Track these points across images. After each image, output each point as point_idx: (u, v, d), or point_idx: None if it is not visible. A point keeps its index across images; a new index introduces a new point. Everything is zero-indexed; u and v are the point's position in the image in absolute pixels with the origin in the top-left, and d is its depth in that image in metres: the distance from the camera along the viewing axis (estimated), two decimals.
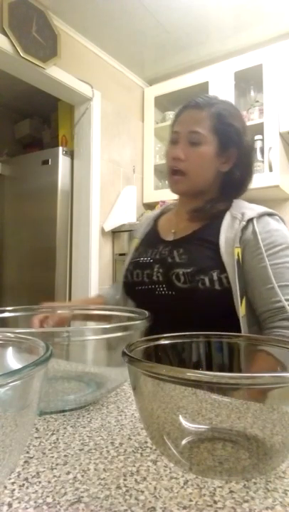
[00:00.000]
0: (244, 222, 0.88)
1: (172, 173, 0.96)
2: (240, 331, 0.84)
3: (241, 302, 0.84)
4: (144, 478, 0.35)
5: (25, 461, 0.38)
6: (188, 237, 0.96)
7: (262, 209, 0.92)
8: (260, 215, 0.89)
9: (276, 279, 0.83)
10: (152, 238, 1.05)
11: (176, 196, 1.05)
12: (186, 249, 0.92)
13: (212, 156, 0.94)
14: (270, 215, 0.91)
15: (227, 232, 0.89)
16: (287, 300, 0.82)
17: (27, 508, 0.30)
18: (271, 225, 0.89)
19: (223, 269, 0.85)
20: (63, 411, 0.51)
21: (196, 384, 0.33)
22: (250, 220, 0.88)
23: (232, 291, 0.84)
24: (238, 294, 0.83)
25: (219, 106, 0.96)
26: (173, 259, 0.92)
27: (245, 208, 0.92)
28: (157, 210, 1.16)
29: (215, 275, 0.85)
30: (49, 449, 0.40)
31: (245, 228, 0.87)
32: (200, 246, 0.92)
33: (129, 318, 0.64)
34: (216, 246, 0.88)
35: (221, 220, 0.92)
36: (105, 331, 0.51)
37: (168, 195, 2.27)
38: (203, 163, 0.95)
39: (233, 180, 0.99)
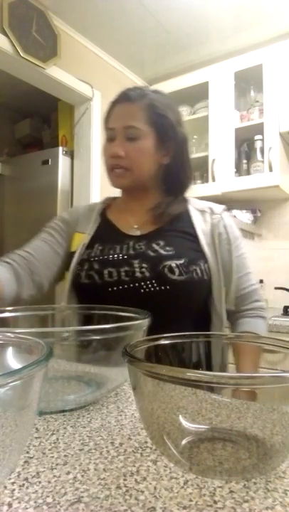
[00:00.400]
0: (217, 216, 0.96)
1: (112, 167, 0.93)
2: (210, 322, 0.92)
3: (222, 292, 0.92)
4: (144, 478, 0.35)
5: (25, 461, 0.38)
6: (164, 229, 0.93)
7: (218, 205, 1.01)
8: (224, 210, 0.99)
9: (243, 268, 0.96)
10: (111, 233, 0.97)
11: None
12: (167, 241, 0.90)
13: (152, 149, 0.92)
14: (227, 210, 1.01)
15: (201, 224, 0.95)
16: (253, 284, 0.97)
17: (27, 508, 0.30)
18: (231, 219, 0.99)
19: (205, 260, 0.90)
20: (63, 411, 0.51)
21: (196, 384, 0.33)
22: (220, 214, 0.97)
23: (212, 282, 0.90)
24: (222, 283, 0.91)
25: (151, 97, 0.93)
26: (156, 252, 0.88)
27: (205, 203, 1.01)
28: (96, 204, 1.08)
29: (202, 265, 0.89)
30: (49, 449, 0.40)
31: (218, 222, 0.95)
32: (180, 237, 0.92)
33: (129, 318, 0.64)
34: (196, 238, 0.92)
35: (188, 214, 0.96)
36: (105, 331, 0.51)
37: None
38: (144, 157, 0.92)
39: (174, 173, 0.98)
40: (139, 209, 0.98)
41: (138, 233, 0.94)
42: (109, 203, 1.08)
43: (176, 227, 0.93)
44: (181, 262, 0.85)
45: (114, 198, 1.09)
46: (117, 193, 1.05)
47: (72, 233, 1.00)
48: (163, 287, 0.85)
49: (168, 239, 0.90)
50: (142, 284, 0.85)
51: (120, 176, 0.92)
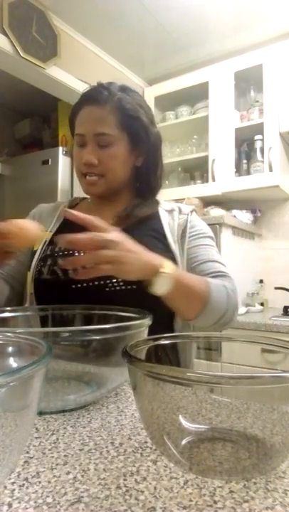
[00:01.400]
0: (184, 215, 0.95)
1: (85, 174, 0.90)
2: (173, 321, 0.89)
3: None
4: (144, 478, 0.35)
5: (25, 461, 0.38)
6: (131, 230, 0.89)
7: (187, 205, 1.01)
8: (192, 210, 0.98)
9: (206, 256, 0.90)
10: (77, 230, 0.90)
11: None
12: (136, 241, 0.86)
13: (125, 154, 0.90)
14: (195, 211, 1.00)
15: (169, 222, 0.94)
16: (222, 271, 0.89)
17: (27, 508, 0.30)
18: (199, 219, 0.99)
19: (173, 260, 0.86)
20: (63, 411, 0.51)
21: (196, 384, 0.33)
22: (187, 214, 0.95)
23: None
24: None
25: (119, 96, 0.89)
26: None
27: (175, 204, 1.00)
28: (61, 204, 1.05)
29: None
30: (49, 449, 0.40)
31: (184, 220, 0.94)
32: (148, 236, 0.89)
33: (130, 318, 0.64)
34: (164, 237, 0.90)
35: (158, 215, 0.95)
36: (105, 330, 0.51)
37: (170, 195, 2.27)
38: (118, 162, 0.89)
39: (146, 174, 0.96)
40: (108, 211, 0.94)
41: None
42: (76, 203, 1.05)
43: (145, 227, 0.91)
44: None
45: (83, 199, 1.06)
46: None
47: None
48: (129, 286, 0.82)
49: (135, 238, 0.85)
50: (108, 282, 0.82)
51: (93, 183, 0.89)
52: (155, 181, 0.98)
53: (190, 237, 0.92)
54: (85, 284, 0.82)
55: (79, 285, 0.83)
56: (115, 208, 0.94)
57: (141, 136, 0.91)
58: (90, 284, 0.82)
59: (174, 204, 1.00)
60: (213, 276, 0.86)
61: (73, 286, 0.83)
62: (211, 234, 0.97)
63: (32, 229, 0.67)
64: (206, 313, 0.77)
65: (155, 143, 0.95)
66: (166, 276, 0.68)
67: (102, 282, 0.82)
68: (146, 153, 0.93)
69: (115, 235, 0.64)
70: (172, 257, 0.86)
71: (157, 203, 0.99)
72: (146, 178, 0.96)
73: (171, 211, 0.96)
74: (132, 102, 0.90)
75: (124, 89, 0.92)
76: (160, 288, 0.69)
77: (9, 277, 0.95)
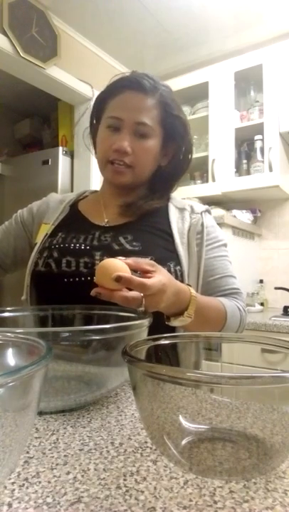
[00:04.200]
0: (197, 215, 0.89)
1: (113, 161, 0.85)
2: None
3: None
4: (144, 478, 0.35)
5: (25, 461, 0.38)
6: (134, 223, 0.87)
7: (201, 204, 0.94)
8: (206, 210, 0.92)
9: (221, 269, 0.87)
10: (77, 223, 0.90)
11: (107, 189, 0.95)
12: (135, 236, 0.83)
13: (158, 150, 0.87)
14: (209, 211, 0.95)
15: (178, 222, 0.89)
16: (237, 288, 0.87)
17: (27, 508, 0.30)
18: (213, 221, 0.93)
19: (177, 262, 0.83)
20: (63, 411, 0.51)
21: (196, 384, 0.33)
22: (200, 214, 0.90)
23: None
24: (200, 288, 0.85)
25: (163, 92, 0.86)
26: (121, 246, 0.81)
27: (187, 202, 0.94)
28: (68, 196, 1.02)
29: (172, 267, 0.81)
30: (49, 449, 0.40)
31: (197, 221, 0.88)
32: (151, 234, 0.85)
33: (130, 318, 0.64)
34: (171, 236, 0.86)
35: (166, 211, 0.91)
36: (105, 330, 0.51)
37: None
38: (150, 156, 0.86)
39: (166, 175, 0.93)
40: (116, 203, 0.91)
41: (106, 224, 0.88)
42: (86, 196, 1.02)
43: (149, 223, 0.87)
44: (147, 259, 0.78)
45: (94, 192, 1.03)
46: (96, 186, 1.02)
47: (39, 224, 0.95)
48: None
49: (137, 233, 0.84)
50: None
51: (121, 172, 0.85)
52: (173, 183, 0.96)
53: (207, 245, 0.88)
54: (77, 279, 0.79)
55: (71, 279, 0.80)
56: (124, 201, 0.91)
57: (175, 136, 0.88)
58: (83, 279, 0.79)
59: (186, 202, 0.95)
60: (228, 293, 0.86)
61: (65, 280, 0.80)
62: (225, 240, 0.93)
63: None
64: None
65: (189, 147, 0.92)
66: (188, 317, 0.69)
67: (94, 278, 0.78)
68: (174, 154, 0.91)
69: (164, 284, 0.62)
70: (176, 258, 0.84)
71: (168, 198, 0.95)
72: (166, 179, 0.94)
73: (182, 209, 0.92)
74: (174, 99, 0.88)
75: (165, 85, 0.89)
76: (178, 324, 0.71)
77: None
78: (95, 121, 0.94)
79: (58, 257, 0.82)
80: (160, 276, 0.62)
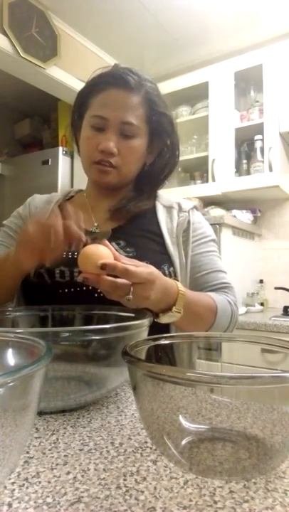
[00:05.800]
0: (185, 213, 0.89)
1: (98, 162, 0.82)
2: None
3: None
4: (144, 478, 0.35)
5: (25, 461, 0.38)
6: (125, 227, 0.85)
7: (188, 201, 0.94)
8: (193, 207, 0.92)
9: (210, 265, 0.86)
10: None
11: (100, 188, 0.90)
12: (128, 241, 0.82)
13: (144, 149, 0.85)
14: (197, 208, 0.94)
15: (167, 222, 0.88)
16: (226, 282, 0.86)
17: (27, 508, 0.30)
18: (200, 217, 0.93)
19: (170, 263, 0.83)
20: (63, 411, 0.51)
21: (196, 384, 0.33)
22: (188, 212, 0.89)
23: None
24: (188, 285, 0.84)
25: (149, 89, 0.83)
26: None
27: (174, 199, 0.93)
28: (55, 196, 0.98)
29: (166, 269, 0.81)
30: (49, 449, 0.40)
31: (184, 219, 0.88)
32: (143, 237, 0.84)
33: (130, 318, 0.64)
34: (161, 237, 0.85)
35: (154, 211, 0.90)
36: (105, 330, 0.51)
37: (169, 195, 2.27)
38: (136, 157, 0.84)
39: (153, 173, 0.90)
40: (103, 206, 0.89)
41: (96, 229, 0.85)
42: (71, 196, 0.99)
43: (140, 226, 0.86)
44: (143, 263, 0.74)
45: (79, 191, 1.00)
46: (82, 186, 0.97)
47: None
48: None
49: (129, 239, 0.82)
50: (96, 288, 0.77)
51: (107, 173, 0.82)
52: (160, 181, 0.94)
53: (194, 241, 0.87)
54: (72, 290, 0.77)
55: (66, 290, 0.77)
56: (111, 203, 0.89)
57: (162, 134, 0.86)
58: (78, 289, 0.77)
59: (173, 199, 0.93)
60: (217, 288, 0.85)
61: (60, 291, 0.78)
62: (214, 235, 0.92)
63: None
64: (211, 331, 0.78)
65: (176, 144, 0.90)
66: (176, 312, 0.68)
67: (90, 287, 0.73)
68: (160, 152, 0.89)
69: (150, 272, 0.62)
70: (168, 259, 0.83)
71: (155, 196, 0.94)
72: (152, 177, 0.92)
73: (170, 208, 0.91)
74: (159, 96, 0.85)
75: (149, 80, 0.85)
76: (168, 320, 0.70)
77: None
78: (77, 118, 0.90)
79: (50, 267, 0.78)
80: (149, 268, 0.62)
